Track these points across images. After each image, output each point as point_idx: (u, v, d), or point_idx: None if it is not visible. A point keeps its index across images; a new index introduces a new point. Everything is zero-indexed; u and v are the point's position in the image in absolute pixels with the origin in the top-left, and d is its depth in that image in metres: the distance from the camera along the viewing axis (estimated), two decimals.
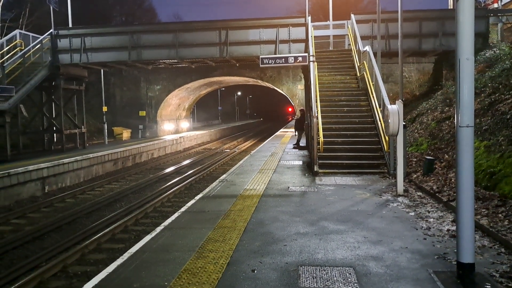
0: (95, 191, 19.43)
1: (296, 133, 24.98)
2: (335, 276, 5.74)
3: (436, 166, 12.60)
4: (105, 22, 51.58)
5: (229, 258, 6.50)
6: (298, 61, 17.32)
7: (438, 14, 23.19)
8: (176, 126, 44.16)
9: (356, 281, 5.55)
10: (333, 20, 26.64)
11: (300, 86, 37.38)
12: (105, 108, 33.31)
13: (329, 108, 17.57)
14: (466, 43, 5.24)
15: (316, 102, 16.06)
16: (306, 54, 18.03)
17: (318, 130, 14.85)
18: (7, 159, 21.30)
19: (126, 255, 6.79)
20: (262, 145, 27.81)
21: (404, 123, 11.33)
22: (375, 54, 16.83)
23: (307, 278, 5.70)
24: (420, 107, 20.41)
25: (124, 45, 24.87)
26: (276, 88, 41.50)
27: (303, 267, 6.09)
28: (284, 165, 16.87)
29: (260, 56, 17.72)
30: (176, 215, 9.38)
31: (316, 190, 11.87)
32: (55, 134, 27.72)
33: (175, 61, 26.22)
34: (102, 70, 31.95)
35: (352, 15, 22.31)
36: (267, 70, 38.12)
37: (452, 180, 10.88)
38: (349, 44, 22.94)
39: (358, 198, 10.69)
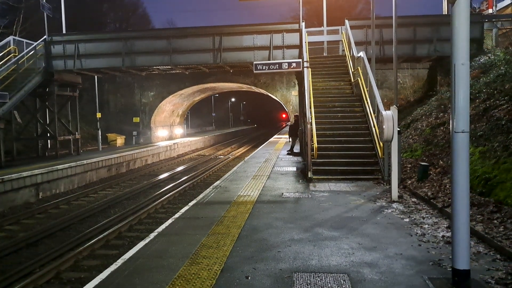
0: (89, 197, 19.34)
1: (290, 139, 24.98)
2: (329, 282, 5.70)
3: (431, 172, 12.59)
4: (99, 28, 51.60)
5: (223, 265, 6.45)
6: (292, 67, 17.33)
7: (432, 20, 23.25)
8: (170, 133, 44.11)
9: None
10: (327, 26, 26.69)
11: (294, 92, 37.42)
12: (99, 115, 33.24)
13: (323, 114, 17.54)
14: (461, 48, 5.23)
15: (310, 108, 16.04)
16: (300, 60, 18.03)
17: (312, 136, 14.83)
18: (0, 165, 21.26)
19: (119, 262, 6.73)
20: (256, 151, 27.77)
21: (398, 129, 11.31)
22: (369, 60, 16.86)
23: (301, 284, 5.66)
24: (415, 113, 20.43)
25: (118, 51, 24.83)
26: (270, 94, 41.55)
27: (297, 273, 6.05)
28: (278, 171, 16.84)
29: (254, 62, 17.71)
30: (170, 221, 9.32)
31: (310, 196, 11.84)
32: (49, 141, 27.63)
33: (169, 67, 26.19)
34: (96, 77, 31.92)
35: (346, 21, 22.34)
36: (261, 76, 38.15)
37: (447, 186, 10.87)
38: (343, 50, 22.96)
39: (352, 205, 10.66)
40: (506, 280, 5.62)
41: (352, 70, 19.87)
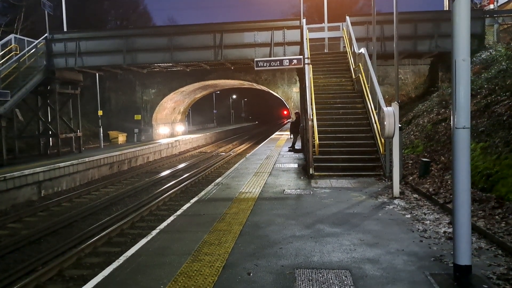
0: (91, 195, 19.36)
1: (292, 136, 24.97)
2: (331, 278, 5.72)
3: (432, 168, 12.59)
4: (100, 26, 51.53)
5: (225, 261, 6.47)
6: (293, 63, 17.34)
7: (433, 16, 23.22)
8: (171, 130, 44.09)
9: (352, 284, 5.52)
10: (328, 22, 26.65)
11: (295, 89, 37.38)
12: (100, 112, 33.29)
13: (325, 111, 17.51)
14: (462, 44, 5.23)
15: (311, 104, 16.01)
16: (301, 56, 18.03)
17: (313, 133, 14.82)
18: (3, 163, 21.27)
19: (122, 259, 6.75)
20: (257, 148, 27.76)
21: (400, 125, 11.30)
22: (370, 56, 16.83)
23: (303, 280, 5.67)
24: (416, 109, 20.40)
25: (119, 49, 24.85)
26: (271, 91, 41.48)
27: (299, 270, 6.06)
28: (279, 168, 16.84)
29: (255, 59, 17.73)
30: (171, 218, 9.34)
31: (311, 193, 11.84)
32: (50, 138, 27.64)
33: (170, 64, 26.20)
34: (97, 74, 31.99)
35: (347, 17, 22.29)
36: (262, 73, 38.11)
37: (449, 182, 10.87)
38: (344, 47, 22.92)
39: (354, 201, 10.67)
40: (508, 276, 5.63)
41: (353, 67, 19.83)
